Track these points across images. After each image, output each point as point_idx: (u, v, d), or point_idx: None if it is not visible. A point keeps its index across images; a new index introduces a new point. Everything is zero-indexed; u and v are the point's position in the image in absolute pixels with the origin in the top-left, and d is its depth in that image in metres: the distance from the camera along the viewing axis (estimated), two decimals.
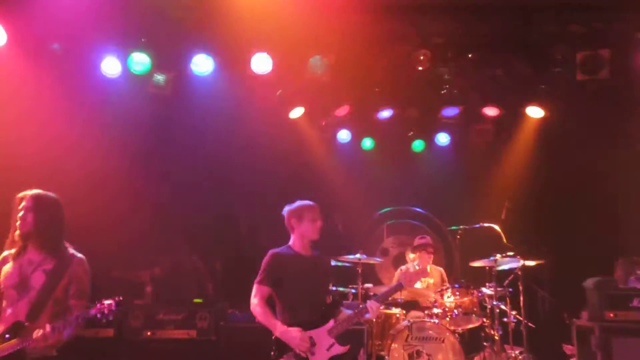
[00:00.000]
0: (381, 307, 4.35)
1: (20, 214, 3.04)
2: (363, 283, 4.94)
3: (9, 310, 2.96)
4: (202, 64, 5.82)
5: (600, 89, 5.88)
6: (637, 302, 4.18)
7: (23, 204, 3.06)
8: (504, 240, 5.01)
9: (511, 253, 4.88)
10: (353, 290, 4.79)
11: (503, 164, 6.58)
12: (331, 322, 3.51)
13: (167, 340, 4.62)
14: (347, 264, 5.13)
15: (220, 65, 5.90)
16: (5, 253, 3.10)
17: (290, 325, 3.43)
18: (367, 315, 3.56)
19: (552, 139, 6.20)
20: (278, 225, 4.06)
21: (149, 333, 4.63)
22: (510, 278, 4.94)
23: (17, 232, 3.04)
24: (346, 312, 3.65)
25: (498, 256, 4.82)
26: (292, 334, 3.35)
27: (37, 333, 2.79)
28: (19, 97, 5.14)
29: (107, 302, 2.90)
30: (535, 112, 6.47)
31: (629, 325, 4.13)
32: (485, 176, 6.55)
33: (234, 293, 5.46)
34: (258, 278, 3.58)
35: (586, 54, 5.79)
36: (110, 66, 5.63)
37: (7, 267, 3.03)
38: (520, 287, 4.84)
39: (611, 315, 4.21)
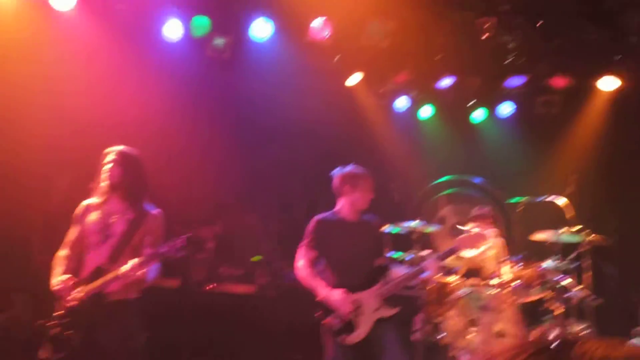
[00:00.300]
0: (439, 273, 4.27)
1: (109, 166, 3.24)
2: (419, 250, 4.85)
3: (91, 255, 3.18)
4: (261, 29, 5.82)
5: None
6: None
7: (111, 157, 3.26)
8: (570, 214, 4.78)
9: (577, 227, 4.66)
10: (408, 258, 4.72)
11: (570, 136, 6.28)
12: (379, 285, 3.48)
13: (228, 294, 4.79)
14: (403, 232, 5.05)
15: (280, 30, 5.88)
16: (87, 202, 3.31)
17: (337, 288, 3.42)
18: (425, 274, 3.50)
19: (625, 111, 5.84)
20: (332, 190, 4.02)
21: (210, 286, 4.81)
22: (575, 253, 4.72)
23: (105, 183, 3.24)
24: (398, 272, 3.60)
25: (563, 230, 4.61)
26: (335, 297, 3.35)
27: (119, 270, 3.00)
28: (87, 59, 5.29)
29: (176, 240, 3.06)
30: (607, 83, 6.11)
31: None
32: (550, 148, 6.27)
33: (290, 253, 5.52)
34: (303, 242, 3.61)
35: None
36: (172, 30, 5.70)
37: (93, 215, 3.25)
38: (586, 263, 4.62)
39: None
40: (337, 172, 3.75)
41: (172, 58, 5.87)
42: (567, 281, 4.59)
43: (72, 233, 3.28)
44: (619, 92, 6.03)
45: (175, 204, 4.20)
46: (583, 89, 6.22)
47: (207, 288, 4.86)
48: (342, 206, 3.71)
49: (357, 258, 3.58)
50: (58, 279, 3.10)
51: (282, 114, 6.10)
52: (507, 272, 4.61)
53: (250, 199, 5.87)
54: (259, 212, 5.95)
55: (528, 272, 4.55)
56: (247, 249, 5.51)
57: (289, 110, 6.07)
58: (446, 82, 6.46)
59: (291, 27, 6.02)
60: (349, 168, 3.75)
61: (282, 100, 6.09)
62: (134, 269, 2.98)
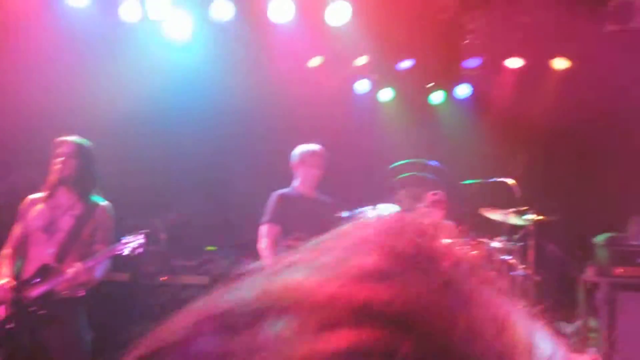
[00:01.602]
0: None
1: (61, 159, 3.12)
2: None
3: (36, 252, 3.08)
4: (222, 10, 5.82)
5: (630, 39, 5.66)
6: None
7: (64, 149, 3.14)
8: (517, 194, 5.00)
9: (524, 208, 4.88)
10: None
11: (524, 117, 6.44)
12: None
13: (181, 286, 4.82)
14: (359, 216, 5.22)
15: (240, 12, 5.89)
16: (32, 196, 3.21)
17: None
18: None
19: (576, 92, 6.02)
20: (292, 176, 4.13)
21: (163, 278, 4.84)
22: (521, 232, 4.97)
23: (56, 175, 3.12)
24: None
25: (510, 210, 4.84)
26: None
27: (70, 271, 2.92)
28: (29, 43, 5.17)
29: (134, 237, 3.03)
30: (560, 64, 6.28)
31: (636, 280, 4.17)
32: (505, 129, 6.43)
33: (246, 242, 5.61)
34: (266, 218, 3.69)
35: (617, 2, 5.58)
36: (128, 11, 5.66)
37: (37, 209, 3.14)
38: (531, 242, 4.88)
39: (619, 271, 4.24)
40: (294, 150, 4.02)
41: (128, 41, 5.83)
42: (512, 260, 4.86)
43: (17, 229, 3.17)
44: (570, 71, 6.20)
45: (124, 195, 4.23)
46: (537, 70, 6.36)
47: (159, 280, 4.88)
48: (298, 182, 3.90)
49: (316, 235, 3.68)
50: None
51: (241, 98, 6.12)
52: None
53: (205, 187, 5.89)
54: (213, 200, 5.97)
55: (476, 252, 4.78)
56: (201, 239, 5.55)
57: (249, 94, 6.09)
58: (406, 64, 6.55)
59: (253, 9, 6.01)
60: (300, 147, 4.01)
61: (242, 83, 6.10)
62: (78, 273, 2.93)
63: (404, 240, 0.35)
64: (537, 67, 6.33)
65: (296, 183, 3.95)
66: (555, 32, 5.91)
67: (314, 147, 4.02)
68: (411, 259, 0.34)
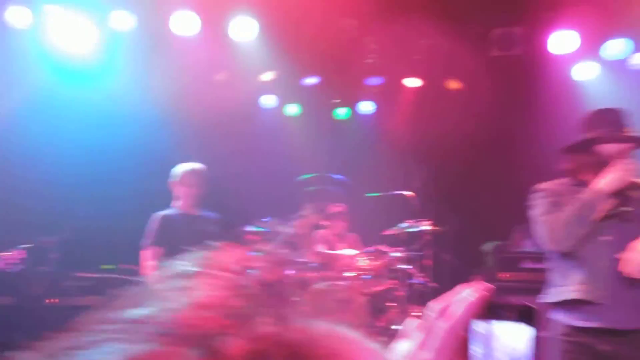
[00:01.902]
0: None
1: None
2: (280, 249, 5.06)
3: None
4: (121, 20, 5.67)
5: (512, 64, 6.23)
6: (527, 263, 4.57)
7: None
8: (416, 207, 5.28)
9: (422, 219, 5.16)
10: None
11: (422, 133, 6.83)
12: None
13: (74, 308, 4.49)
14: (264, 230, 5.23)
15: (142, 24, 5.76)
16: None
17: None
18: None
19: (467, 111, 6.49)
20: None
21: (53, 301, 4.47)
22: (419, 242, 5.24)
23: None
24: None
25: (409, 222, 5.09)
26: None
27: None
28: None
29: (13, 251, 2.85)
30: (453, 84, 6.76)
31: (519, 284, 4.53)
32: (406, 145, 6.77)
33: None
34: (148, 241, 3.65)
35: (501, 32, 6.15)
36: (16, 16, 5.36)
37: None
38: (428, 251, 5.16)
39: (504, 276, 4.59)
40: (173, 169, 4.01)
41: (16, 46, 5.46)
42: (411, 269, 5.10)
43: None
44: (463, 92, 6.69)
45: (12, 212, 3.94)
46: (434, 90, 6.80)
47: (49, 303, 4.51)
48: (179, 201, 3.90)
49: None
50: None
51: (143, 110, 5.92)
52: (360, 264, 5.00)
53: (102, 203, 5.60)
54: (110, 216, 5.69)
55: (378, 263, 4.98)
56: (98, 257, 5.25)
57: (151, 107, 5.91)
58: (311, 80, 6.71)
59: (155, 20, 5.89)
60: (178, 166, 4.00)
61: (145, 95, 5.91)
62: None
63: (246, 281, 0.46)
64: (433, 87, 6.76)
65: (177, 203, 3.92)
66: (448, 55, 6.36)
67: (193, 165, 4.01)
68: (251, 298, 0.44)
